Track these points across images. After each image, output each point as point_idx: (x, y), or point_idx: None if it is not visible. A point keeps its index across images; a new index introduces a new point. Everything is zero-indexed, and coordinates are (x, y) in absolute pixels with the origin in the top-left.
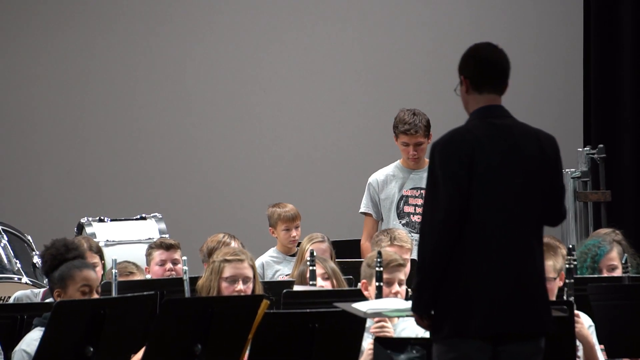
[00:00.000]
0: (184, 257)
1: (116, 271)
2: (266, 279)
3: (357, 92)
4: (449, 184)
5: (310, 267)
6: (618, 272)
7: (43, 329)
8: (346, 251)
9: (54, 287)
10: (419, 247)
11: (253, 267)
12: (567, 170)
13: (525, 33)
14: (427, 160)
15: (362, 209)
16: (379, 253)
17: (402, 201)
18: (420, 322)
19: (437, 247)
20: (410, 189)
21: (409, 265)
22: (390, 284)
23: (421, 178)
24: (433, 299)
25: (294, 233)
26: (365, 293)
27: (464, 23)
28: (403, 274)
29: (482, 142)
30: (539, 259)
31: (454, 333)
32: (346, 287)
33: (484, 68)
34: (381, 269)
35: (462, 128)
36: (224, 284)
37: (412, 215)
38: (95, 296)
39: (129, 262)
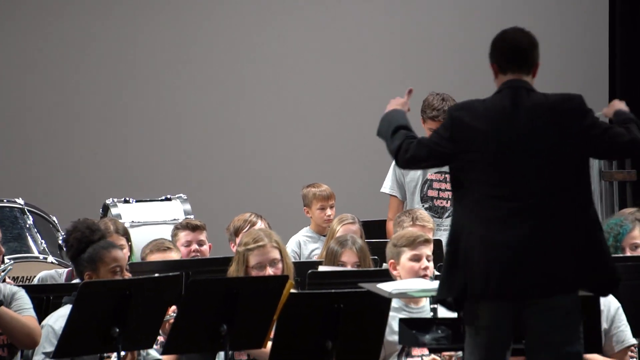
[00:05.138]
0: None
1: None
2: (302, 257)
3: (384, 71)
4: (432, 139)
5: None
6: None
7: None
8: (373, 232)
9: (84, 270)
10: None
11: (279, 247)
12: None
13: (550, 6)
14: None
15: (387, 191)
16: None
17: (427, 185)
18: None
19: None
20: (435, 173)
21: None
22: (418, 259)
23: None
24: None
25: (328, 212)
26: (394, 273)
27: (489, 5)
28: (429, 249)
29: (484, 113)
30: (559, 223)
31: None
32: (372, 268)
33: (506, 52)
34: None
35: (474, 100)
36: (253, 272)
37: (435, 200)
38: (127, 275)
39: (164, 239)
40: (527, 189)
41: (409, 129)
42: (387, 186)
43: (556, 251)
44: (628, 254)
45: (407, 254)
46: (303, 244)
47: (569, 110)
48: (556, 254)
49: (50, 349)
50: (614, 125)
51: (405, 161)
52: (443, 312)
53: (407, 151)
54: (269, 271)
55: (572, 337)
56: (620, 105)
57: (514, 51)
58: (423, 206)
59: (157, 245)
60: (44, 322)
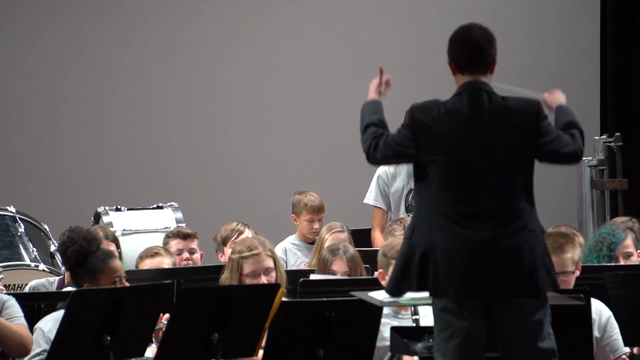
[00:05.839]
0: None
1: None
2: (289, 265)
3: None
4: (397, 139)
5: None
6: (634, 259)
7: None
8: (363, 240)
9: (83, 281)
10: None
11: (273, 256)
12: (584, 158)
13: (542, 22)
14: None
15: (371, 202)
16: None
17: (411, 195)
18: None
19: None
20: None
21: None
22: None
23: None
24: None
25: (316, 225)
26: (383, 283)
27: (483, 9)
28: None
29: (444, 117)
30: (509, 228)
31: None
32: (364, 276)
33: (462, 50)
34: None
35: (434, 101)
36: (247, 280)
37: None
38: (126, 284)
39: (158, 246)
40: (485, 195)
41: (377, 124)
42: (371, 197)
43: (514, 256)
44: (621, 262)
45: None
46: (289, 252)
47: (526, 116)
48: (514, 259)
49: (37, 349)
50: (562, 134)
51: (376, 161)
52: (427, 322)
53: (376, 151)
54: (263, 280)
55: (541, 334)
56: (562, 98)
57: (472, 52)
58: (408, 216)
59: (147, 251)
60: (36, 325)
